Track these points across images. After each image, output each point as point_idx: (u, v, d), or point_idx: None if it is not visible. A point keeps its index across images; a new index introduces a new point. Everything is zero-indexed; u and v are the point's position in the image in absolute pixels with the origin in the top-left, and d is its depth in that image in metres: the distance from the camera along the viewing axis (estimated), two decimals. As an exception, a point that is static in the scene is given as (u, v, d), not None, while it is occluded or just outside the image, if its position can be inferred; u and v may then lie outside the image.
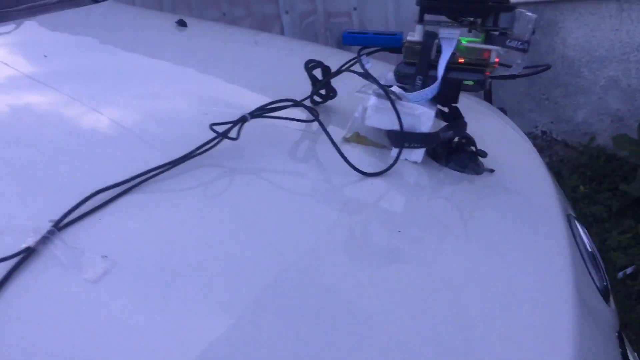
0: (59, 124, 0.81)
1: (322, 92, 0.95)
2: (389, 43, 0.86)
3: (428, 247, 0.70)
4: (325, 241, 0.66)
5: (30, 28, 1.29)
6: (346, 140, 0.86)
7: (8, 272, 0.52)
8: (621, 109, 2.63)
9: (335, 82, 0.95)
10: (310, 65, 0.90)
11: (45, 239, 0.55)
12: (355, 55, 0.88)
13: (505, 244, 0.75)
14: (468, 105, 0.94)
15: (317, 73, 0.93)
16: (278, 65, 1.20)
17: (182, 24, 1.39)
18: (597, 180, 2.52)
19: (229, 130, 0.73)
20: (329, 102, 0.97)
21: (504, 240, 0.76)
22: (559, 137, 2.80)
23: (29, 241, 0.54)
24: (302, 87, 0.94)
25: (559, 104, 2.75)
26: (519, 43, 0.79)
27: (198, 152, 0.70)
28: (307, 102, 0.89)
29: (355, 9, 2.91)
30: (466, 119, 0.88)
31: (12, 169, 0.69)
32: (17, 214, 0.61)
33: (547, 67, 0.90)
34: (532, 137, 2.90)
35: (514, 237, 0.77)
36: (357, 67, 0.88)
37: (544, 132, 2.84)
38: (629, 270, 2.03)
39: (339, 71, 0.90)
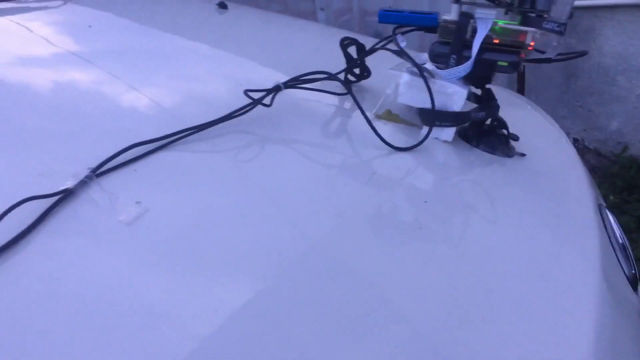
0: (103, 91, 0.83)
1: (357, 71, 0.96)
2: (424, 22, 0.87)
3: (453, 225, 0.70)
4: (352, 212, 0.66)
5: (74, 7, 1.33)
6: (377, 117, 0.87)
7: (47, 209, 0.54)
8: (656, 120, 2.59)
9: (369, 63, 0.96)
10: (345, 43, 0.91)
11: (83, 183, 0.57)
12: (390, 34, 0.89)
13: (533, 226, 0.75)
14: (500, 95, 0.94)
15: (352, 52, 0.94)
16: (315, 46, 1.21)
17: (223, 6, 1.41)
18: (627, 190, 2.48)
19: (263, 97, 0.74)
20: (363, 82, 0.98)
21: (532, 222, 0.76)
22: (591, 145, 2.77)
23: (68, 183, 0.56)
24: (337, 66, 0.95)
25: (592, 111, 2.72)
26: (556, 25, 0.79)
27: (232, 116, 0.72)
28: (341, 77, 0.90)
29: (390, 7, 2.89)
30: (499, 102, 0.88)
31: (59, 119, 0.71)
32: (59, 159, 0.63)
33: (584, 53, 0.89)
34: (563, 144, 2.87)
35: (543, 220, 0.77)
36: (392, 47, 0.89)
37: (576, 140, 2.81)
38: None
39: (373, 49, 0.91)
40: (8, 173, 0.60)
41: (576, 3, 2.50)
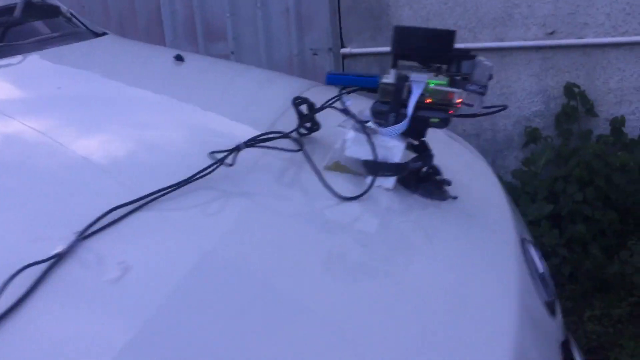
0: (69, 152, 0.91)
1: (308, 125, 1.07)
2: (366, 84, 0.99)
3: (395, 263, 0.82)
4: (305, 256, 0.77)
5: (34, 61, 1.38)
6: (327, 168, 0.98)
7: (42, 273, 0.62)
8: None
9: (319, 117, 1.07)
10: (297, 102, 1.02)
11: (71, 247, 0.66)
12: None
13: (461, 261, 0.87)
14: (437, 137, 1.06)
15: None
16: (266, 97, 1.32)
17: (179, 58, 1.50)
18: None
19: (225, 157, 0.84)
20: (315, 135, 1.09)
21: (461, 258, 0.88)
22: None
23: (58, 248, 0.65)
24: (289, 120, 1.06)
25: None
26: (478, 87, 0.92)
27: (199, 176, 0.81)
28: (294, 134, 1.00)
29: (232, 52, 3.36)
30: (435, 148, 1.00)
31: (44, 187, 0.80)
32: (46, 225, 0.71)
33: (504, 108, 1.03)
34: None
35: (469, 256, 0.89)
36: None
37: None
38: None
39: (322, 107, 1.02)
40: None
41: (383, 49, 2.71)
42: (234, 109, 1.21)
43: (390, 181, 0.96)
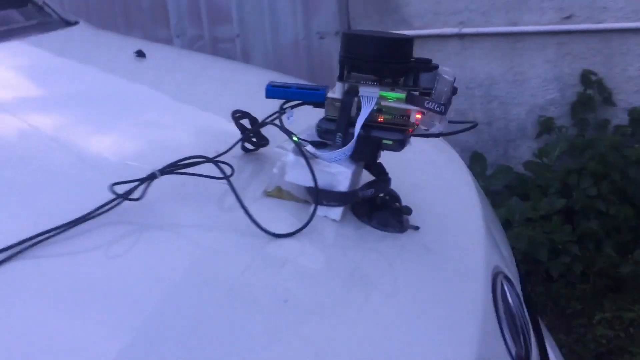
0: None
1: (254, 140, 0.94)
2: (311, 98, 0.85)
3: (332, 311, 0.69)
4: (223, 303, 0.65)
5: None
6: (268, 194, 0.86)
7: None
8: (470, 140, 2.90)
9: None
10: (236, 116, 0.90)
11: None
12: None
13: (414, 309, 0.74)
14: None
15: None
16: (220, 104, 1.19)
17: (140, 54, 1.38)
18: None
19: (133, 189, 0.72)
20: (262, 150, 0.97)
21: (413, 305, 0.75)
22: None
23: None
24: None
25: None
26: (436, 105, 0.78)
27: (94, 214, 0.69)
28: (229, 155, 0.88)
29: (237, 35, 3.31)
30: (404, 156, 0.85)
31: None
32: None
33: (474, 125, 0.88)
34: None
35: (424, 302, 0.76)
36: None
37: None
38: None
39: (263, 123, 0.89)
40: None
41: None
42: (183, 115, 1.09)
43: (336, 212, 0.83)
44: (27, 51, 1.35)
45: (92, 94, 1.09)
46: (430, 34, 2.84)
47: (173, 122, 1.05)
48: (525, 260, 2.48)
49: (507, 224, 2.53)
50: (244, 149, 0.95)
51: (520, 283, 1.16)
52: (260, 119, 0.92)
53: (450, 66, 0.79)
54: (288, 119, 0.86)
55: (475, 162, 2.81)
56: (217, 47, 3.43)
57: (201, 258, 0.72)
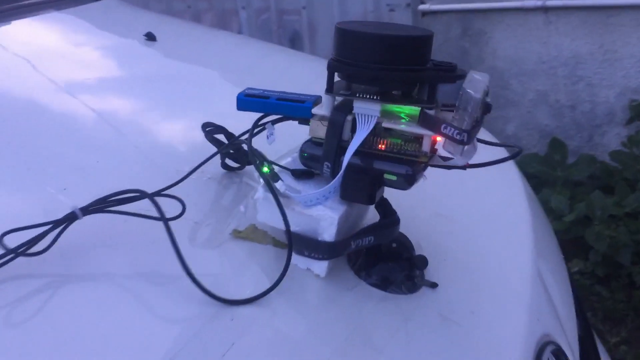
0: None
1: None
2: (293, 112, 0.64)
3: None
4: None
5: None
6: (237, 235, 0.66)
7: None
8: (550, 125, 2.66)
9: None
10: (207, 130, 0.70)
11: None
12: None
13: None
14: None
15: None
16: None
17: (151, 37, 1.22)
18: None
19: (37, 238, 0.55)
20: (249, 168, 0.77)
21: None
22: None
23: None
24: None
25: (488, 115, 2.52)
26: (456, 132, 0.55)
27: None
28: (201, 177, 0.69)
29: (304, 7, 3.21)
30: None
31: None
32: None
33: (519, 152, 0.65)
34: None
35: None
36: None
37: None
38: None
39: (231, 143, 0.69)
40: None
41: (467, 6, 2.48)
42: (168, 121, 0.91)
43: (321, 266, 0.62)
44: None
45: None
46: (509, 7, 2.60)
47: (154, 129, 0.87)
48: (605, 263, 2.21)
49: (586, 221, 2.26)
50: (226, 167, 0.76)
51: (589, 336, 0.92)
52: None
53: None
54: (268, 137, 0.66)
55: (555, 149, 2.53)
56: (283, 19, 3.34)
57: (122, 331, 0.54)
